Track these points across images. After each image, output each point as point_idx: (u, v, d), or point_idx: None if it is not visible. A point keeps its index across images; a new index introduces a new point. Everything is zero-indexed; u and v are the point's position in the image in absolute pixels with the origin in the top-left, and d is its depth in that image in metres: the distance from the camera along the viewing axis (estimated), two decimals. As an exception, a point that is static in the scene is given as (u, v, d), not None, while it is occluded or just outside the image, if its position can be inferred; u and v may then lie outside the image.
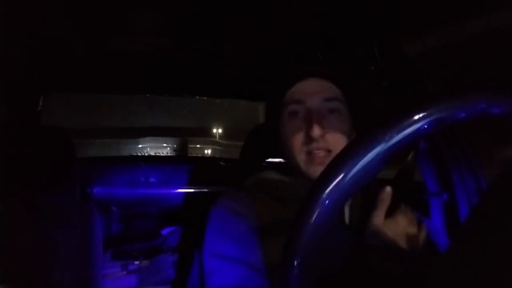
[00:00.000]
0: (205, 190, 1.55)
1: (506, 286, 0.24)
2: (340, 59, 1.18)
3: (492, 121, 0.35)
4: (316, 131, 0.69)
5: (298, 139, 0.72)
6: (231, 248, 0.67)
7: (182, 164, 1.67)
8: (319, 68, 0.77)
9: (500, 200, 0.27)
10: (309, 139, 0.70)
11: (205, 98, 1.81)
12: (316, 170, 0.70)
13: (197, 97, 1.75)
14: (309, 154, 0.71)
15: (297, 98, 0.74)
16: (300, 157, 0.72)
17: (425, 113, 0.35)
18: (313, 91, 0.74)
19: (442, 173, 1.03)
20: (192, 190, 1.57)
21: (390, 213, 0.64)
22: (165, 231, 1.45)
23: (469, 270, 0.27)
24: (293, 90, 0.75)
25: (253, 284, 0.62)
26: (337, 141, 0.71)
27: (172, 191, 1.58)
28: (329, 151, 0.71)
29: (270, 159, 0.96)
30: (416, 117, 0.35)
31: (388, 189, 0.64)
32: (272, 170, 0.84)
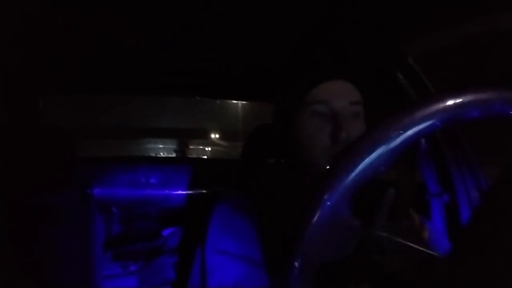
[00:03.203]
0: (206, 191, 1.55)
1: (507, 286, 0.24)
2: (340, 60, 1.18)
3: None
4: (344, 133, 0.68)
5: (322, 140, 0.70)
6: (233, 245, 0.67)
7: (182, 165, 1.67)
8: (343, 69, 0.76)
9: (501, 200, 0.27)
10: (334, 142, 0.69)
11: (205, 98, 1.81)
12: None
13: (197, 97, 1.75)
14: (333, 157, 0.70)
15: (321, 98, 0.72)
16: (323, 159, 0.70)
17: (427, 115, 0.35)
18: (339, 92, 0.73)
19: (443, 174, 1.03)
20: (192, 191, 1.57)
21: (392, 214, 0.64)
22: (165, 232, 1.45)
23: (470, 271, 0.27)
24: (316, 90, 0.73)
25: (255, 281, 0.62)
26: None
27: (172, 192, 1.58)
28: None
29: (271, 159, 0.96)
30: (418, 118, 0.35)
31: (392, 190, 0.64)
32: (274, 170, 0.84)
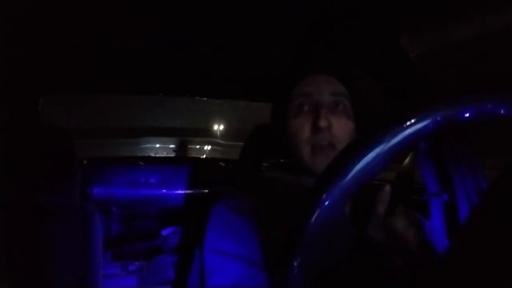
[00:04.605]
0: (205, 190, 1.55)
1: (507, 286, 0.24)
2: (340, 60, 1.18)
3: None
4: (323, 121, 0.69)
5: (304, 131, 0.72)
6: (232, 245, 0.67)
7: (182, 165, 1.67)
8: (326, 63, 0.78)
9: (500, 200, 0.27)
10: (315, 130, 0.71)
11: (205, 98, 1.81)
12: (321, 162, 0.70)
13: (197, 97, 1.75)
14: (314, 145, 0.71)
15: (304, 91, 0.75)
16: (305, 149, 0.72)
17: (426, 114, 0.34)
18: (320, 85, 0.75)
19: (442, 173, 1.03)
20: (192, 191, 1.57)
21: (390, 212, 0.64)
22: (165, 232, 1.45)
23: (469, 271, 0.27)
24: (301, 84, 0.76)
25: (255, 282, 0.62)
26: (342, 136, 0.72)
27: (172, 191, 1.58)
28: (333, 145, 0.71)
29: (270, 159, 0.97)
30: (417, 118, 0.35)
31: (388, 187, 0.64)
32: (273, 169, 0.84)
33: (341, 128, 0.72)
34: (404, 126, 0.35)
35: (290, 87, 0.77)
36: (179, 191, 1.58)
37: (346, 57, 1.17)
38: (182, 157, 3.44)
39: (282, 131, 0.79)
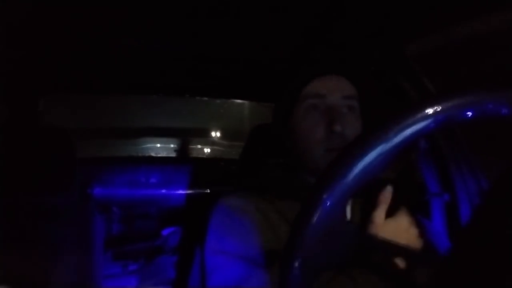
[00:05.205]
0: (206, 190, 1.55)
1: (507, 286, 0.24)
2: (348, 61, 1.18)
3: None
4: (339, 126, 0.69)
5: (317, 133, 0.72)
6: (233, 245, 0.67)
7: (183, 165, 1.67)
8: (338, 65, 0.77)
9: (501, 200, 0.27)
10: (329, 134, 0.70)
11: (205, 98, 1.81)
12: None
13: (197, 97, 1.75)
14: (328, 149, 0.71)
15: (316, 92, 0.74)
16: (318, 151, 0.72)
17: (428, 113, 0.34)
18: (333, 87, 0.74)
19: (443, 174, 1.03)
20: (192, 191, 1.57)
21: (391, 213, 0.64)
22: (165, 232, 1.45)
23: (469, 271, 0.27)
24: (312, 85, 0.75)
25: (256, 281, 0.62)
26: None
27: (172, 191, 1.58)
28: None
29: (270, 159, 0.96)
30: (417, 117, 0.35)
31: (389, 189, 0.64)
32: (274, 169, 0.84)
33: (353, 131, 0.72)
34: (406, 125, 0.35)
35: (298, 87, 0.76)
36: (180, 191, 1.58)
37: (350, 57, 1.16)
38: (182, 157, 3.44)
39: (288, 131, 0.78)
